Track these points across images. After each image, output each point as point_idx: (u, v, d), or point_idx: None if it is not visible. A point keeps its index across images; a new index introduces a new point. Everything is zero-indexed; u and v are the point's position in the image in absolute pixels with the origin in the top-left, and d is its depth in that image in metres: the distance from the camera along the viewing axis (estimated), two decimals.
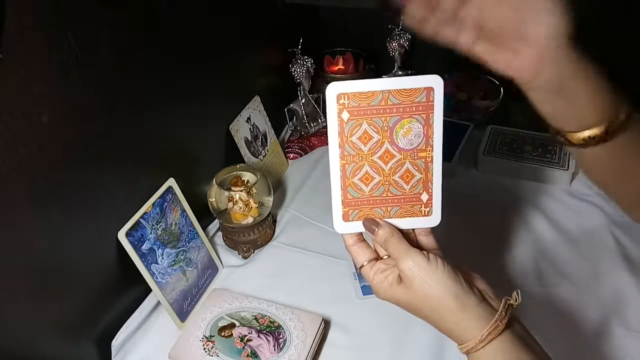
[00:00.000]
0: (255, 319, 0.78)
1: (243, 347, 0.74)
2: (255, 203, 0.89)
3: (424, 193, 0.55)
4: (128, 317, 0.80)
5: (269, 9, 1.11)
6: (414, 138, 0.53)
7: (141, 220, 0.75)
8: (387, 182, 0.54)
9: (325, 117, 0.55)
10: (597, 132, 0.49)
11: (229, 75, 0.99)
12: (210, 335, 0.76)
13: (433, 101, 0.51)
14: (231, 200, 0.88)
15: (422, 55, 1.32)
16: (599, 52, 0.48)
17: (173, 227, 0.81)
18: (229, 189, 0.88)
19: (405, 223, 0.56)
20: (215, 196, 0.89)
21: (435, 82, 0.51)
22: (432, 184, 0.54)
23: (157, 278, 0.77)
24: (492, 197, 1.03)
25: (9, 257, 0.59)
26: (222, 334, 0.76)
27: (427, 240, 0.57)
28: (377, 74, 1.30)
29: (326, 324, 0.80)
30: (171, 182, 0.81)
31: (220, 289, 0.86)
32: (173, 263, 0.80)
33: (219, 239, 0.96)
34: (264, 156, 1.07)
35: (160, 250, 0.78)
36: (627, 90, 0.49)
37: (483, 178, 1.08)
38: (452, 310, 0.50)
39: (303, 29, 1.17)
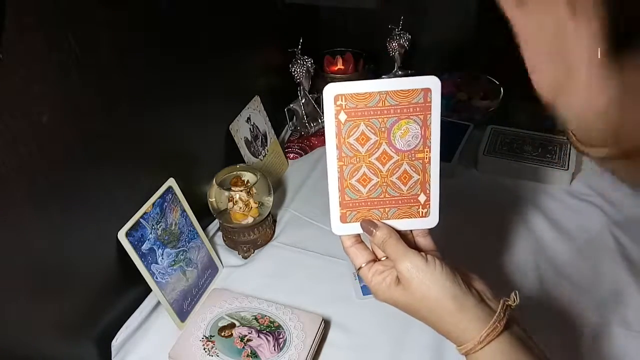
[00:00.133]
0: (255, 319, 0.78)
1: (243, 347, 0.74)
2: (255, 203, 0.90)
3: (422, 194, 0.55)
4: (128, 317, 0.80)
5: (269, 9, 1.11)
6: (411, 139, 0.53)
7: (141, 220, 0.75)
8: (384, 184, 0.54)
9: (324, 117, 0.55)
10: None
11: (229, 75, 0.99)
12: (210, 335, 0.76)
13: (430, 102, 0.51)
14: (231, 200, 0.88)
15: (422, 55, 1.32)
16: None
17: (173, 227, 0.81)
18: (229, 189, 0.88)
19: (403, 224, 0.56)
20: (215, 196, 0.89)
21: (432, 83, 0.51)
22: (429, 185, 0.54)
23: (157, 278, 0.77)
24: (492, 197, 1.03)
25: (9, 257, 0.59)
26: (222, 334, 0.76)
27: (425, 242, 0.57)
28: (377, 74, 1.30)
29: (326, 324, 0.80)
30: (171, 182, 0.81)
31: (220, 289, 0.86)
32: (173, 263, 0.80)
33: (219, 239, 0.96)
34: (264, 156, 1.07)
35: (160, 250, 0.78)
36: None
37: (483, 178, 1.08)
38: (450, 311, 0.50)
39: (303, 29, 1.17)
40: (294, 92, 1.17)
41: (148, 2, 0.74)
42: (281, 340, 0.75)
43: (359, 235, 0.57)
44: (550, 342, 0.55)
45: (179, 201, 0.83)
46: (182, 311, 0.81)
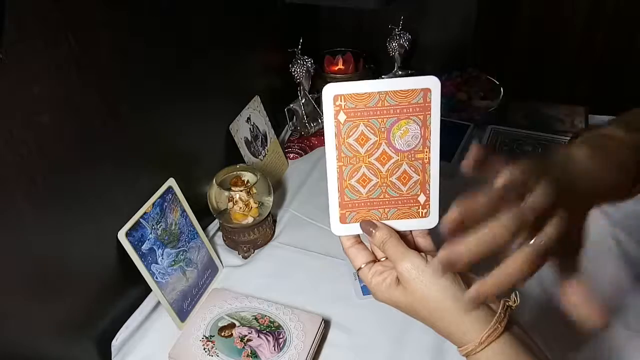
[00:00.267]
0: (255, 319, 0.78)
1: (243, 347, 0.74)
2: (255, 203, 0.90)
3: (422, 194, 0.55)
4: (128, 317, 0.80)
5: (269, 9, 1.11)
6: (411, 139, 0.53)
7: (141, 220, 0.75)
8: (384, 184, 0.54)
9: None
10: None
11: (229, 75, 0.99)
12: (210, 335, 0.76)
13: (430, 102, 0.51)
14: (231, 200, 0.88)
15: (422, 55, 1.32)
16: None
17: (173, 227, 0.81)
18: (229, 189, 0.88)
19: (402, 225, 0.56)
20: (215, 196, 0.89)
21: (432, 83, 0.51)
22: (429, 185, 0.54)
23: (157, 278, 0.77)
24: None
25: (9, 257, 0.59)
26: (222, 334, 0.76)
27: (424, 242, 0.57)
28: (377, 74, 1.31)
29: (326, 324, 0.80)
30: (171, 182, 0.81)
31: (220, 289, 0.86)
32: (173, 263, 0.80)
33: (219, 239, 0.96)
34: (264, 156, 1.07)
35: (160, 250, 0.78)
36: None
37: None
38: (450, 312, 0.50)
39: (303, 29, 1.17)
40: (294, 92, 1.17)
41: (148, 2, 0.74)
42: (281, 340, 0.75)
43: (358, 235, 0.57)
44: (550, 342, 0.55)
45: (179, 201, 0.83)
46: (182, 311, 0.81)
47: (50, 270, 0.66)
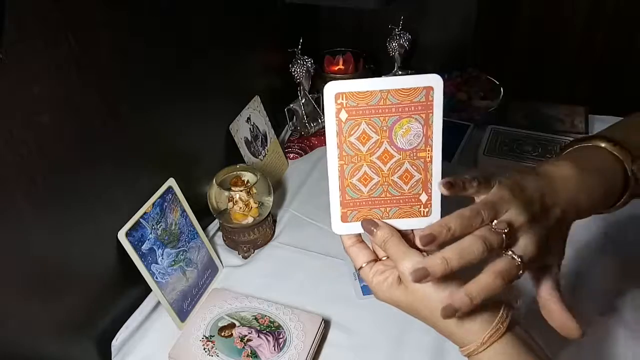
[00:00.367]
0: (255, 319, 0.78)
1: (243, 347, 0.74)
2: (255, 203, 0.89)
3: (423, 193, 0.54)
4: (128, 317, 0.80)
5: (269, 9, 1.11)
6: (413, 138, 0.52)
7: (141, 220, 0.75)
8: (385, 183, 0.54)
9: (324, 117, 0.55)
10: None
11: (229, 75, 0.99)
12: (210, 335, 0.76)
13: (432, 101, 0.51)
14: (231, 200, 0.88)
15: (422, 55, 1.32)
16: None
17: (173, 227, 0.81)
18: (229, 189, 0.88)
19: (404, 224, 0.55)
20: (215, 196, 0.89)
21: (434, 82, 0.51)
22: (431, 184, 0.54)
23: (157, 278, 0.77)
24: None
25: (9, 257, 0.59)
26: (222, 334, 0.76)
27: None
28: (377, 74, 1.31)
29: (326, 324, 0.80)
30: (171, 182, 0.81)
31: (220, 289, 0.86)
32: (173, 263, 0.80)
33: (219, 239, 0.96)
34: (264, 156, 1.07)
35: (160, 250, 0.78)
36: None
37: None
38: None
39: (303, 29, 1.17)
40: (294, 92, 1.17)
41: (148, 2, 0.74)
42: (281, 340, 0.75)
43: (359, 234, 0.57)
44: (550, 342, 0.55)
45: (179, 201, 0.83)
46: (182, 311, 0.81)
47: (50, 270, 0.66)
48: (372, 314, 0.81)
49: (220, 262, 0.91)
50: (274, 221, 0.99)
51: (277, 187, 1.08)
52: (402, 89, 0.51)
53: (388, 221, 0.55)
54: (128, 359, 0.76)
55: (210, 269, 0.88)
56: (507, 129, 1.15)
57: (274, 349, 0.74)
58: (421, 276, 0.46)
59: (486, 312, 0.50)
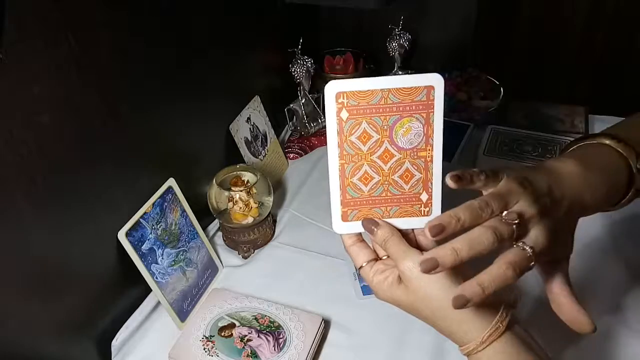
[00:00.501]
0: (255, 319, 0.78)
1: (243, 347, 0.74)
2: (255, 203, 0.89)
3: (424, 193, 0.55)
4: (128, 317, 0.80)
5: (269, 9, 1.11)
6: (413, 137, 0.52)
7: (141, 220, 0.75)
8: (386, 182, 0.54)
9: (325, 116, 0.55)
10: None
11: (229, 75, 0.99)
12: (210, 335, 0.76)
13: (433, 100, 0.51)
14: (231, 200, 0.88)
15: (422, 55, 1.32)
16: None
17: (173, 227, 0.81)
18: (229, 189, 0.88)
19: (404, 223, 0.55)
20: (215, 196, 0.89)
21: (435, 81, 0.51)
22: (432, 183, 0.54)
23: (157, 278, 0.77)
24: None
25: (9, 257, 0.59)
26: (222, 334, 0.76)
27: (426, 241, 0.56)
28: (377, 74, 1.30)
29: (326, 324, 0.80)
30: (171, 182, 0.81)
31: (220, 289, 0.86)
32: (173, 263, 0.80)
33: (219, 239, 0.96)
34: (264, 156, 1.07)
35: (160, 250, 0.78)
36: None
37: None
38: (452, 311, 0.50)
39: (303, 29, 1.17)
40: (294, 92, 1.17)
41: (148, 2, 0.74)
42: (281, 340, 0.75)
43: (360, 234, 0.57)
44: (550, 341, 0.55)
45: (179, 201, 0.83)
46: (182, 311, 0.81)
47: (50, 270, 0.65)
48: (372, 314, 0.81)
49: (220, 262, 0.91)
50: (274, 221, 0.99)
51: (277, 187, 1.08)
52: (403, 88, 0.51)
53: (388, 220, 0.55)
54: (128, 359, 0.76)
55: (210, 269, 0.88)
56: (507, 129, 1.15)
57: (274, 349, 0.74)
58: (431, 267, 0.45)
59: (486, 311, 0.50)
